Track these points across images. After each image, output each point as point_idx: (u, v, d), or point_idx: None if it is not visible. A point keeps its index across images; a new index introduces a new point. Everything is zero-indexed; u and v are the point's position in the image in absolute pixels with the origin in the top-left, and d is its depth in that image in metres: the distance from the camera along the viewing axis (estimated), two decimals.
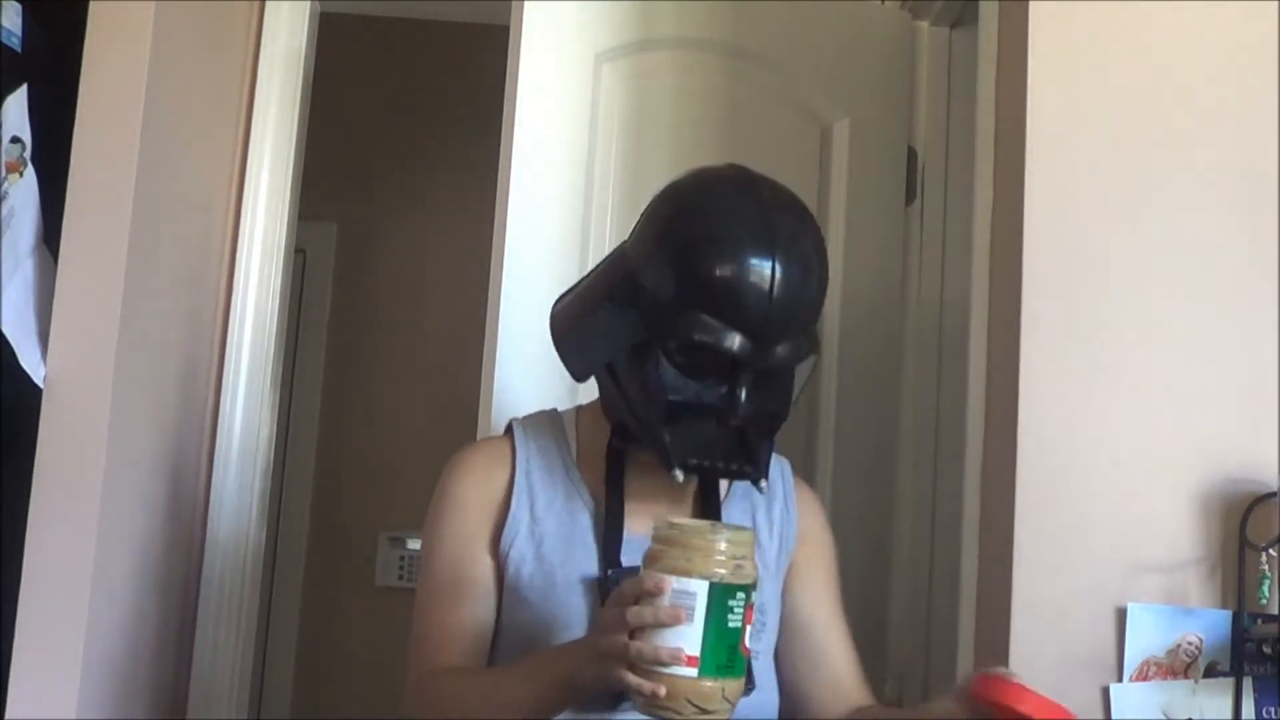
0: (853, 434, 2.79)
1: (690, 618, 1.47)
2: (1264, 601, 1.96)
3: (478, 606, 1.76)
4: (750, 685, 1.65)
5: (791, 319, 1.66)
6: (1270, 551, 1.96)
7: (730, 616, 1.48)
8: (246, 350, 2.83)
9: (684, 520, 1.57)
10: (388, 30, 4.44)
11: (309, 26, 2.98)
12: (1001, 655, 2.04)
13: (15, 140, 2.22)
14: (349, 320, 4.47)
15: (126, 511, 2.39)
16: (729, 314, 1.63)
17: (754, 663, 1.68)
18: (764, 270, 1.64)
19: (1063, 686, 2.02)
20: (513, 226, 2.45)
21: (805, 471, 2.60)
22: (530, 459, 1.81)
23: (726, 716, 1.50)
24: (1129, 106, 2.16)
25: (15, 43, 2.21)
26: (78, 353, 2.24)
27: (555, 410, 1.92)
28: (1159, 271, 2.12)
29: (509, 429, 1.87)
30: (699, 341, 1.64)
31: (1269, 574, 1.96)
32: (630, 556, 1.72)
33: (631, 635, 1.48)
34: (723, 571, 1.48)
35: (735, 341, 1.64)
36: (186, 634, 2.74)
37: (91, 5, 2.31)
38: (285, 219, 2.91)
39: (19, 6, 2.22)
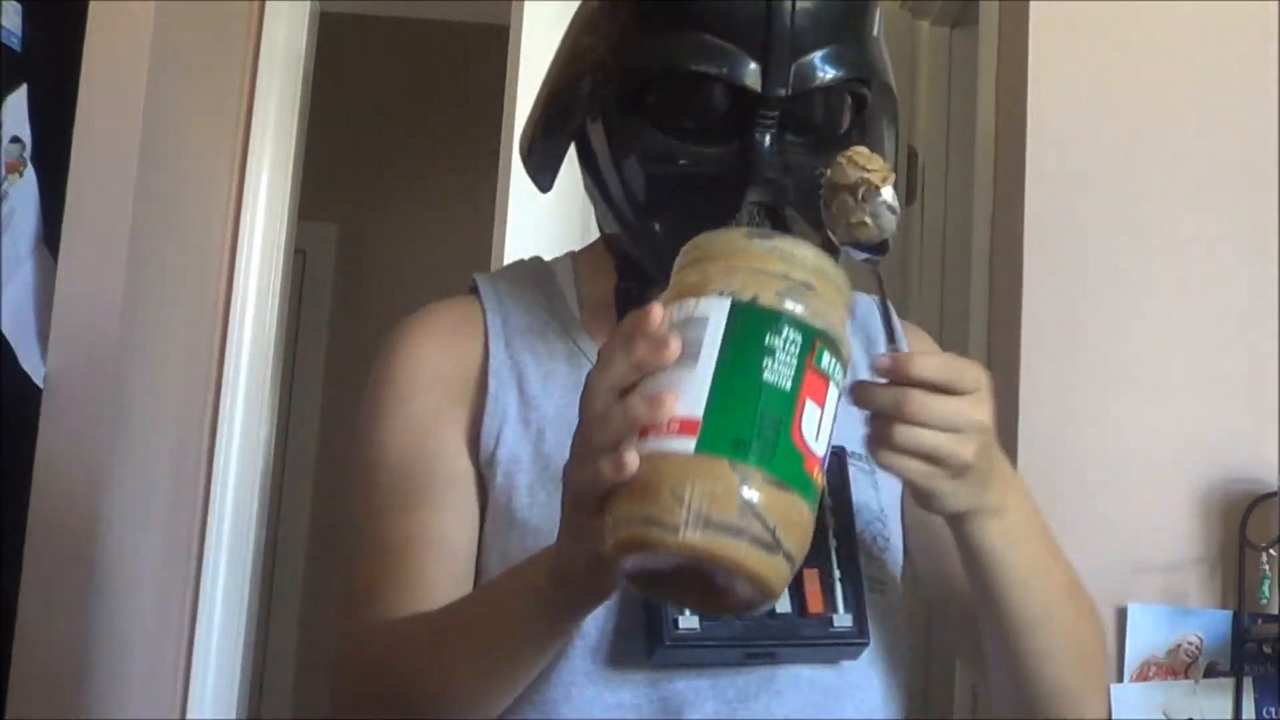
0: None
1: (693, 357, 0.84)
2: (1264, 601, 1.96)
3: (452, 513, 1.15)
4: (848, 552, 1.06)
5: (821, 21, 1.09)
6: (1270, 551, 1.96)
7: (770, 364, 0.83)
8: (246, 350, 2.83)
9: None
10: (388, 30, 4.43)
11: (309, 26, 2.98)
12: None
13: (15, 140, 2.21)
14: (349, 320, 4.47)
15: (126, 511, 2.38)
16: (722, 26, 1.08)
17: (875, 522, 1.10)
18: None
19: None
20: (513, 226, 2.45)
21: None
22: (508, 320, 1.21)
23: (758, 564, 0.82)
24: (1129, 106, 2.16)
25: (15, 43, 2.21)
26: (78, 353, 2.24)
27: (539, 258, 1.31)
28: (1159, 271, 2.12)
29: (474, 286, 1.27)
30: (693, 72, 1.08)
31: (1269, 574, 1.96)
32: None
33: None
34: (757, 290, 0.85)
35: (739, 66, 1.07)
36: (186, 634, 2.73)
37: (91, 5, 2.30)
38: (285, 219, 2.91)
39: (19, 6, 2.22)
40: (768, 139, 1.08)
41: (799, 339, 0.84)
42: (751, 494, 0.81)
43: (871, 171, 1.00)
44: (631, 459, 0.82)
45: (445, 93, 4.46)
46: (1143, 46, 2.17)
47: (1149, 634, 2.00)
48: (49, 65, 2.28)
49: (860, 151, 1.02)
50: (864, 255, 1.03)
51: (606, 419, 0.85)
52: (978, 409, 0.97)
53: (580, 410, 0.89)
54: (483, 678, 1.02)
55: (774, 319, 0.84)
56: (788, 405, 0.83)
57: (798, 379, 0.84)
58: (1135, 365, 2.09)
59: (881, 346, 1.20)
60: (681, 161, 1.10)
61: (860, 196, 0.99)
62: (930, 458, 0.96)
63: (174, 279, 2.58)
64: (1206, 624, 2.00)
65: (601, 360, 0.88)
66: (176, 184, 2.54)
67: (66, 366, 2.23)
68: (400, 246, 4.51)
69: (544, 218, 2.52)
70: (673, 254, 1.02)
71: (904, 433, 0.95)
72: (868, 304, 1.25)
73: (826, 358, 0.86)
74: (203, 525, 2.77)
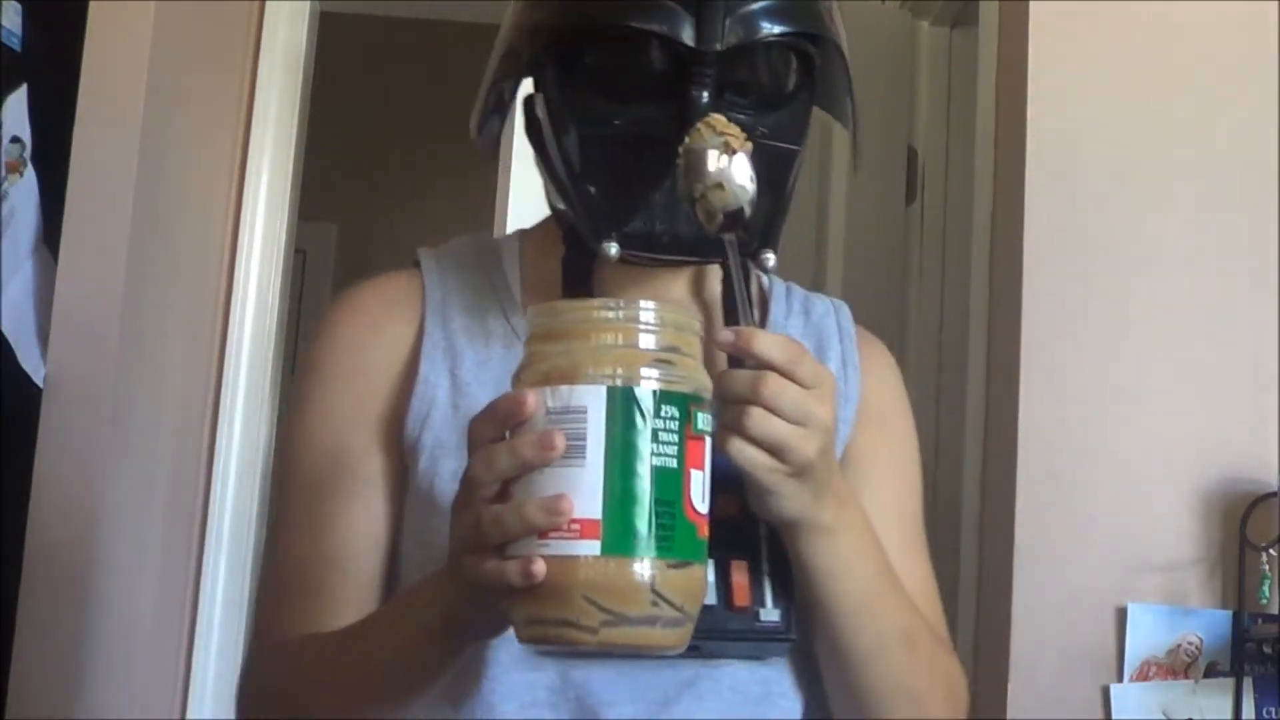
0: None
1: (579, 454, 0.85)
2: (1264, 601, 1.96)
3: (365, 525, 1.11)
4: (750, 606, 1.02)
5: None
6: (1270, 551, 1.96)
7: (655, 448, 0.86)
8: (246, 350, 2.83)
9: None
10: (388, 30, 4.43)
11: (309, 26, 2.98)
12: (1001, 655, 2.04)
13: (15, 140, 2.21)
14: None
15: (126, 512, 2.38)
16: None
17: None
18: None
19: (1063, 686, 2.02)
20: (513, 226, 2.45)
21: None
22: (448, 299, 1.17)
23: (670, 639, 0.87)
24: (1129, 106, 2.16)
25: (15, 43, 2.21)
26: (78, 353, 2.24)
27: (487, 236, 1.28)
28: (1159, 272, 2.12)
29: (417, 261, 1.23)
30: (628, 28, 1.03)
31: (1269, 574, 1.96)
32: None
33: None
34: (629, 372, 0.86)
35: (674, 21, 1.02)
36: (186, 634, 2.74)
37: (91, 5, 2.30)
38: (285, 219, 2.91)
39: (19, 6, 2.21)
40: (705, 96, 1.03)
41: (676, 412, 0.87)
42: (659, 584, 0.85)
43: (730, 136, 1.00)
44: (539, 569, 0.83)
45: (445, 93, 4.44)
46: (1143, 46, 2.17)
47: (1149, 634, 2.00)
48: (49, 65, 2.28)
49: (718, 118, 1.01)
50: (723, 230, 1.01)
51: (500, 518, 0.85)
52: (822, 406, 0.94)
53: (464, 493, 0.88)
54: (375, 705, 1.01)
55: (651, 401, 0.86)
56: (677, 484, 0.87)
57: (681, 453, 0.87)
58: (1135, 365, 2.09)
59: (835, 350, 1.20)
60: (617, 122, 1.05)
61: (716, 162, 0.99)
62: (775, 450, 0.93)
63: (174, 279, 2.58)
64: (1206, 624, 2.00)
65: (477, 445, 0.88)
66: (176, 184, 2.54)
67: (66, 366, 2.23)
68: (400, 246, 4.48)
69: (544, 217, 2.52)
70: (610, 218, 1.05)
71: (758, 418, 0.92)
72: (825, 307, 1.23)
73: (701, 418, 0.88)
74: (203, 525, 2.77)
